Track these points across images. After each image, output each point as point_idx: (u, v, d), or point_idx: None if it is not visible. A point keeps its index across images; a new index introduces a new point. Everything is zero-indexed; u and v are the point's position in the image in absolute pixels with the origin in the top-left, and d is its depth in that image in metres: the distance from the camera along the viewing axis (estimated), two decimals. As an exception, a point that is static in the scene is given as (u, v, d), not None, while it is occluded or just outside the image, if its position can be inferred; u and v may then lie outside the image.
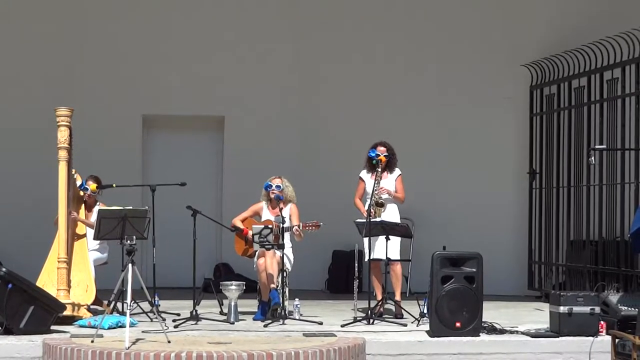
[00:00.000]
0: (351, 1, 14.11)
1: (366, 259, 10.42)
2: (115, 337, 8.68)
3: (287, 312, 9.88)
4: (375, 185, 10.32)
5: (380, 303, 10.23)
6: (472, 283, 9.05)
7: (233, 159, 14.17)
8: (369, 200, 10.31)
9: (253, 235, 10.02)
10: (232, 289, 9.95)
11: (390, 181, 10.54)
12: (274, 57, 14.17)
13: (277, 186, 10.34)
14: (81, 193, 10.36)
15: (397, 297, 10.45)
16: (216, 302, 10.62)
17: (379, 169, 10.41)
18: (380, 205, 10.33)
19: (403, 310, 10.28)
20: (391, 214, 10.46)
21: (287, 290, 10.18)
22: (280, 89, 14.20)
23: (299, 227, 10.17)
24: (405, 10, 14.02)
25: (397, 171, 10.60)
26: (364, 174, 10.63)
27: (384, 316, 10.13)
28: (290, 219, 10.30)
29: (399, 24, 14.01)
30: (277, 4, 14.21)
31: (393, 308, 10.48)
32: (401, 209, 10.67)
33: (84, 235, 10.21)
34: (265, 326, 9.49)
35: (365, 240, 10.24)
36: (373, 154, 10.47)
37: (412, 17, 14.01)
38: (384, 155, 10.47)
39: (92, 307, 9.99)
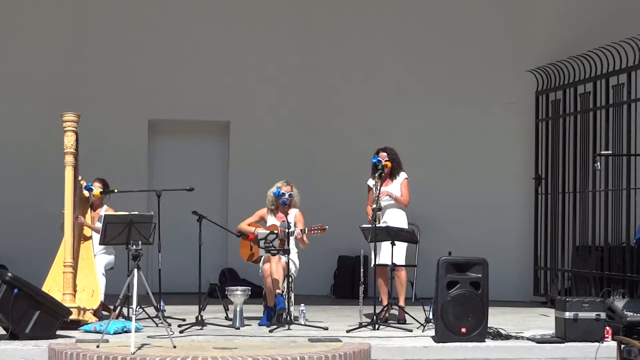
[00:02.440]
0: (357, 7, 14.11)
1: (372, 264, 10.42)
2: (120, 342, 8.69)
3: (292, 318, 9.89)
4: (375, 190, 10.31)
5: (385, 308, 10.21)
6: (478, 288, 9.04)
7: (238, 164, 14.18)
8: (375, 206, 10.31)
9: (258, 240, 10.01)
10: (238, 294, 9.96)
11: (395, 187, 10.54)
12: (280, 62, 14.17)
13: (290, 194, 10.34)
14: (86, 194, 10.36)
15: (401, 303, 10.43)
16: (222, 307, 10.62)
17: (378, 175, 10.37)
18: (378, 210, 10.32)
19: (407, 316, 10.27)
20: (397, 219, 10.45)
21: (292, 295, 10.18)
22: (285, 94, 14.21)
23: (302, 231, 10.16)
24: (410, 16, 14.03)
25: (403, 175, 10.58)
26: (370, 181, 10.61)
27: (389, 322, 10.11)
28: (295, 225, 10.29)
29: (403, 29, 14.02)
30: (283, 10, 14.22)
31: (397, 313, 10.45)
32: (407, 215, 10.66)
33: (90, 240, 10.22)
34: (270, 331, 9.49)
35: (372, 245, 10.24)
36: (374, 160, 10.49)
37: (417, 22, 14.01)
38: (385, 161, 10.46)
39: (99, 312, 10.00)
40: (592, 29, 12.88)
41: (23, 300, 8.83)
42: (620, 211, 11.59)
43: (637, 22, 12.11)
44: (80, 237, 10.14)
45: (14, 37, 13.84)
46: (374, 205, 10.30)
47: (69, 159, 9.77)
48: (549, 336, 9.21)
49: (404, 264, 10.42)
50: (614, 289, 10.95)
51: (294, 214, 10.38)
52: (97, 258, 10.25)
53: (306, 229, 10.17)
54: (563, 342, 8.99)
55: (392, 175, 10.56)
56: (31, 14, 13.89)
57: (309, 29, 14.16)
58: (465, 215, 13.64)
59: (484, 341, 8.98)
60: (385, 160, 10.47)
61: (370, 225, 10.04)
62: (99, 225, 10.03)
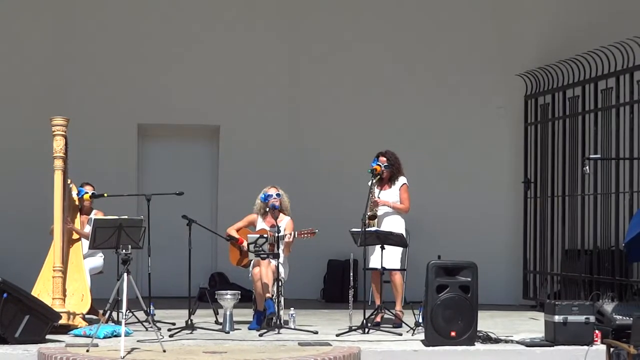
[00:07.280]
0: (348, 12, 14.12)
1: (369, 266, 10.25)
2: (110, 346, 8.68)
3: (282, 322, 9.88)
4: (370, 197, 10.24)
5: (378, 312, 10.13)
6: (467, 292, 9.05)
7: (228, 168, 14.17)
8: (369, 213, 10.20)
9: (248, 244, 10.00)
10: (228, 298, 9.95)
11: (393, 192, 10.43)
12: (270, 66, 14.18)
13: (278, 194, 10.33)
14: (76, 202, 10.36)
15: (398, 307, 10.37)
16: (211, 311, 10.61)
17: (376, 180, 10.33)
18: (373, 218, 10.27)
19: (399, 320, 10.23)
20: (394, 227, 10.30)
21: (282, 299, 10.16)
22: (275, 99, 14.21)
23: (291, 234, 10.13)
24: (400, 21, 14.05)
25: (402, 180, 10.41)
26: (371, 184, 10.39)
27: (381, 326, 10.05)
28: (285, 232, 10.26)
29: (393, 34, 14.03)
30: (272, 14, 14.22)
31: (393, 317, 10.35)
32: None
33: (80, 245, 10.21)
34: (260, 335, 9.48)
35: (367, 248, 10.14)
36: (373, 164, 10.39)
37: (407, 27, 14.03)
38: (384, 166, 10.36)
39: (87, 316, 9.98)
40: (581, 33, 12.92)
41: (12, 305, 8.82)
42: (609, 215, 11.62)
43: (625, 27, 12.13)
44: (69, 241, 10.13)
45: (1, 40, 13.81)
46: (369, 213, 10.21)
47: (58, 163, 9.76)
48: (538, 340, 9.22)
49: (398, 267, 10.35)
50: (603, 292, 10.99)
51: (286, 221, 10.36)
52: (85, 261, 10.25)
53: (296, 232, 10.16)
54: (552, 346, 9.00)
55: (391, 180, 10.44)
56: (20, 17, 13.87)
57: (299, 32, 14.16)
58: (454, 219, 13.65)
59: (474, 345, 8.99)
60: (384, 166, 10.30)
61: (359, 229, 10.01)
62: (88, 228, 10.02)
